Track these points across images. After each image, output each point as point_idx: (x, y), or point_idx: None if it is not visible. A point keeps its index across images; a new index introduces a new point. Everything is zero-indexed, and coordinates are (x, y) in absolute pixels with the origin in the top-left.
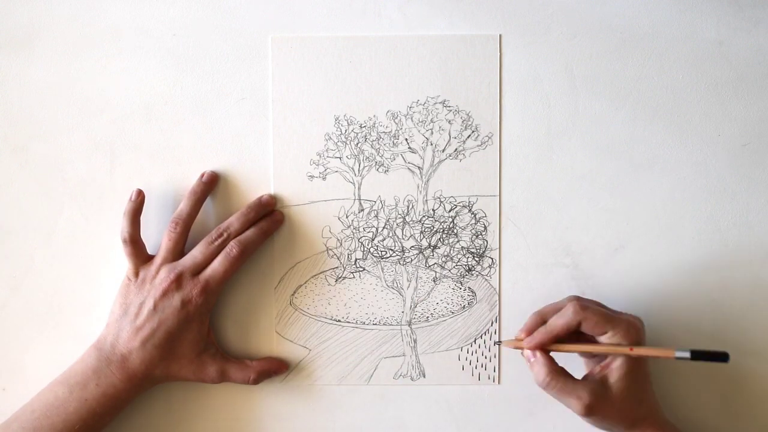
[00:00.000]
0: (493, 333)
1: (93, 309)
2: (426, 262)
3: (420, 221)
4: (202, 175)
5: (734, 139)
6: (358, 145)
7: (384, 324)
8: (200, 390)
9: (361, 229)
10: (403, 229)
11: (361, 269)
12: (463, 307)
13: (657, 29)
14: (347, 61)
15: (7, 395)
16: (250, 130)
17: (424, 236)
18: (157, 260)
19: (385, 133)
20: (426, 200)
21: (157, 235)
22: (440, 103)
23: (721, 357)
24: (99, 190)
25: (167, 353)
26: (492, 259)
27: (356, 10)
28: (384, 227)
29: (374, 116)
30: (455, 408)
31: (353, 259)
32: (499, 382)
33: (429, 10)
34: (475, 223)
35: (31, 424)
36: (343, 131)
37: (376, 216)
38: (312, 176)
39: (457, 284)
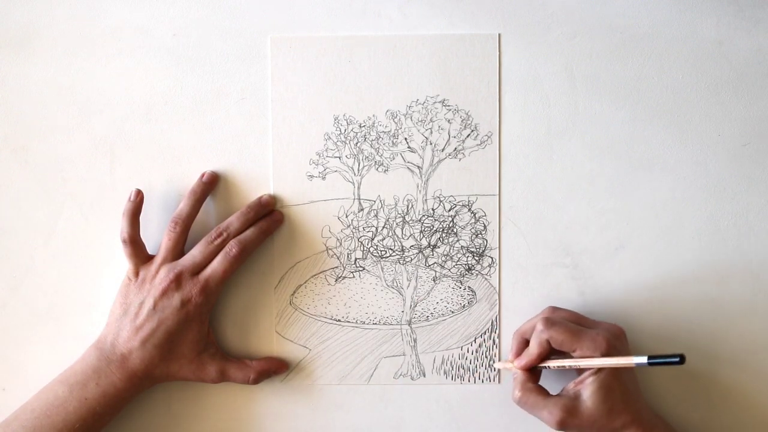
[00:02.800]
0: (494, 335)
1: (93, 309)
2: (426, 261)
3: (420, 221)
4: (202, 175)
5: (734, 139)
6: (358, 145)
7: (384, 323)
8: (200, 390)
9: (360, 229)
10: (402, 229)
11: (361, 269)
12: (463, 306)
13: (657, 29)
14: (347, 61)
15: (7, 395)
16: (250, 130)
17: (423, 236)
18: (157, 260)
19: (384, 132)
20: (425, 200)
21: (157, 235)
22: (440, 102)
23: (677, 360)
24: (99, 190)
25: (167, 353)
26: (492, 258)
27: (356, 9)
28: (384, 227)
29: (374, 116)
30: (455, 408)
31: (353, 259)
32: (499, 382)
33: (428, 9)
34: (475, 223)
35: (31, 423)
36: (343, 131)
37: (376, 215)
38: (311, 176)
39: (457, 284)
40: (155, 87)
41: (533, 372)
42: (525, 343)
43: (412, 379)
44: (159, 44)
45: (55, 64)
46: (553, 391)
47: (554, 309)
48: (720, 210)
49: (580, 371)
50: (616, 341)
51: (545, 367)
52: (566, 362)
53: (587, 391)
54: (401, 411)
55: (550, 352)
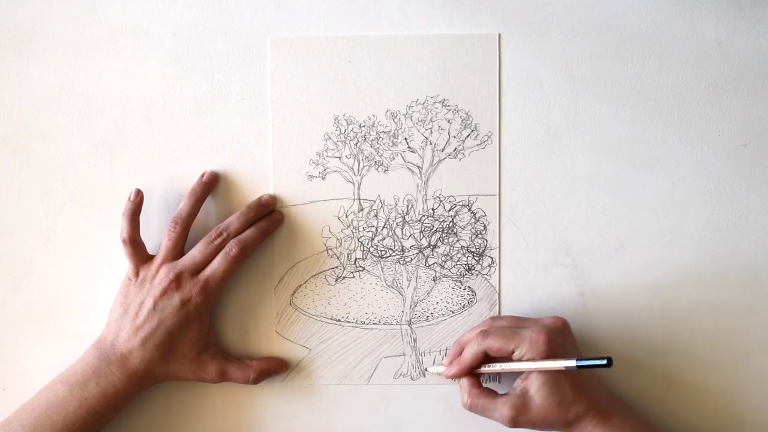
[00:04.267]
0: None
1: (93, 309)
2: (426, 261)
3: (419, 221)
4: (202, 175)
5: (734, 139)
6: (358, 145)
7: (384, 323)
8: (200, 390)
9: (360, 229)
10: (402, 229)
11: (361, 269)
12: (463, 306)
13: (657, 29)
14: (346, 61)
15: (7, 395)
16: (250, 130)
17: (423, 236)
18: (157, 260)
19: (384, 132)
20: (425, 199)
21: (157, 235)
22: (439, 102)
23: (605, 363)
24: (99, 190)
25: (167, 352)
26: (492, 258)
27: (356, 9)
28: (384, 227)
29: (373, 116)
30: (455, 408)
31: (353, 259)
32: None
33: (428, 9)
34: (475, 223)
35: (31, 423)
36: (343, 131)
37: (376, 215)
38: (311, 176)
39: (457, 283)
40: (155, 87)
41: (476, 377)
42: (461, 352)
43: (412, 379)
44: (159, 44)
45: (55, 64)
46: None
47: (494, 319)
48: (720, 210)
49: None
50: (557, 335)
51: (480, 373)
52: (497, 367)
53: (533, 387)
54: (401, 411)
55: (485, 361)
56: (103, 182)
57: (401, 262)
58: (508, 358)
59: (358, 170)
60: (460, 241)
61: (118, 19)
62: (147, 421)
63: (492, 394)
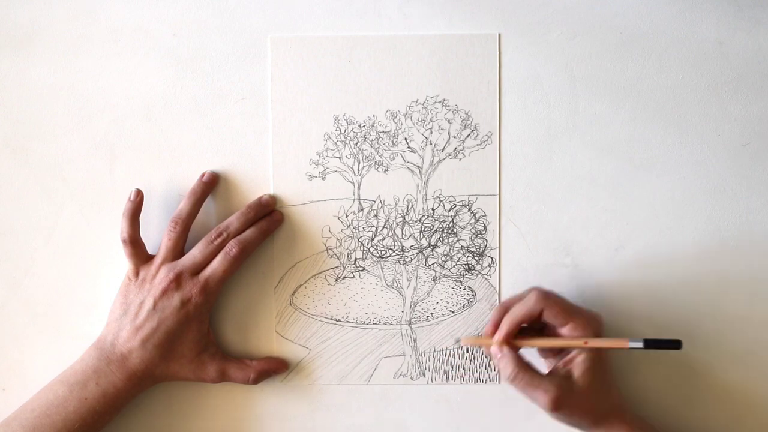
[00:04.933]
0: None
1: (93, 309)
2: (426, 261)
3: (419, 221)
4: (203, 175)
5: (734, 139)
6: (358, 145)
7: (384, 323)
8: (200, 390)
9: (360, 229)
10: (402, 229)
11: (361, 269)
12: (463, 306)
13: (657, 29)
14: (346, 61)
15: (7, 395)
16: (250, 130)
17: (423, 236)
18: (157, 260)
19: (384, 132)
20: (425, 199)
21: (157, 235)
22: (439, 102)
23: (674, 344)
24: (99, 190)
25: (167, 352)
26: (492, 258)
27: (356, 9)
28: (384, 227)
29: (373, 116)
30: (455, 408)
31: (353, 259)
32: (499, 382)
33: (428, 9)
34: (475, 223)
35: (31, 423)
36: (343, 131)
37: (376, 215)
38: (311, 176)
39: (457, 283)
40: (155, 87)
41: (517, 350)
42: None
43: (412, 379)
44: (159, 44)
45: (55, 64)
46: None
47: (541, 288)
48: (720, 210)
49: (557, 352)
50: (601, 327)
51: (524, 348)
52: (557, 342)
53: (578, 369)
54: (401, 411)
55: (528, 325)
56: (103, 182)
57: (401, 262)
58: (549, 333)
59: (358, 170)
60: (460, 241)
61: (118, 19)
62: (147, 421)
63: (537, 371)
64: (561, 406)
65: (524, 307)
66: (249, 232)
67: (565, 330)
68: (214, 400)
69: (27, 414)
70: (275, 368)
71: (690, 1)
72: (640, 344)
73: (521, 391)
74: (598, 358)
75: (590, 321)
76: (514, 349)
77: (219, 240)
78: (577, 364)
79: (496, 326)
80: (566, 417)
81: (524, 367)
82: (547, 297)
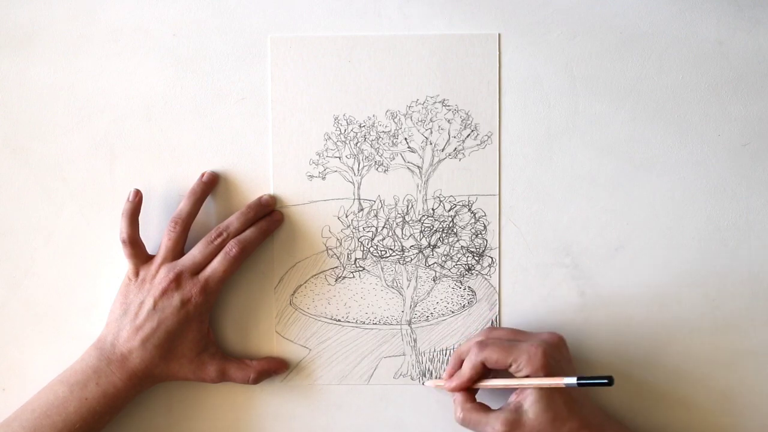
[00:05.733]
0: None
1: (93, 309)
2: (426, 261)
3: (419, 221)
4: (202, 175)
5: (734, 139)
6: (358, 145)
7: (384, 323)
8: (200, 390)
9: (360, 229)
10: (402, 229)
11: (361, 269)
12: (463, 306)
13: (657, 29)
14: (346, 61)
15: (7, 395)
16: (250, 130)
17: (423, 236)
18: (157, 260)
19: (384, 132)
20: (425, 199)
21: (157, 235)
22: (439, 102)
23: (606, 382)
24: (99, 190)
25: (167, 352)
26: (492, 258)
27: (356, 9)
28: (384, 227)
29: (373, 116)
30: None
31: (353, 259)
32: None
33: (428, 9)
34: (475, 223)
35: (31, 423)
36: (343, 131)
37: (376, 215)
38: (311, 176)
39: (457, 283)
40: (155, 87)
41: (470, 391)
42: (461, 364)
43: (412, 379)
44: (159, 44)
45: (55, 64)
46: (496, 406)
47: (491, 329)
48: (720, 210)
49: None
50: (554, 351)
51: (477, 388)
52: (498, 383)
53: (527, 401)
54: (401, 411)
55: (485, 373)
56: (103, 182)
57: (401, 262)
58: (504, 371)
59: (358, 170)
60: (460, 241)
61: (118, 19)
62: (147, 421)
63: (485, 408)
64: None
65: (469, 363)
66: (249, 232)
67: (512, 369)
68: (214, 400)
69: (27, 414)
70: (275, 368)
71: (690, 1)
72: (573, 382)
73: (473, 430)
74: (547, 389)
75: (529, 358)
76: (471, 390)
77: (219, 240)
78: (526, 397)
79: (451, 375)
80: None
81: (472, 408)
82: (483, 347)
